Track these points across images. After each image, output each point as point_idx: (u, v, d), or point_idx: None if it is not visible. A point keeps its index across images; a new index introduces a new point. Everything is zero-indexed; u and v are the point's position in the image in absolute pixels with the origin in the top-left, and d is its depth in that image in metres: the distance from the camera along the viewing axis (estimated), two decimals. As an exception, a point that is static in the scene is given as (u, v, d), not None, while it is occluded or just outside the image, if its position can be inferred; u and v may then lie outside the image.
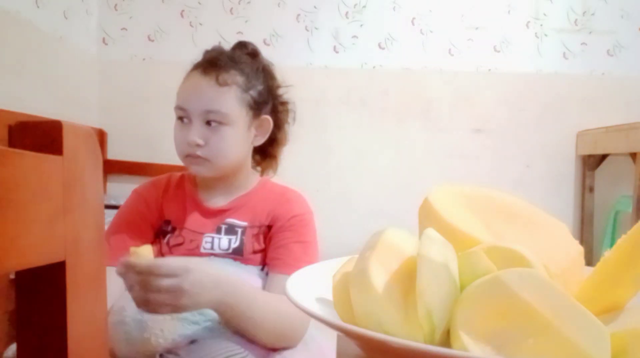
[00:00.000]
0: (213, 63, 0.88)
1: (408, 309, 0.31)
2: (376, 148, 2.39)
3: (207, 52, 0.92)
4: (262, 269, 0.89)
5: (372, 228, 0.37)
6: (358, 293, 0.33)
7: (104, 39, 2.39)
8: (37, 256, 0.29)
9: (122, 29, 2.39)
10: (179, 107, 0.87)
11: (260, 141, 0.93)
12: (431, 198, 0.41)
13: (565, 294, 0.28)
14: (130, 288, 0.66)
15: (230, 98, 0.86)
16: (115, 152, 2.36)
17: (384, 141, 2.39)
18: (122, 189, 2.34)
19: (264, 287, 0.84)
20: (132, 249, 0.68)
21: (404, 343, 0.28)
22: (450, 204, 0.41)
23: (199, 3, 2.39)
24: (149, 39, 2.39)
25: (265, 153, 1.00)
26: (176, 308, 0.67)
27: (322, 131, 2.34)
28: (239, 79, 0.87)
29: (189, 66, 0.91)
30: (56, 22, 2.03)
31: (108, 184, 2.38)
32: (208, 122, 0.85)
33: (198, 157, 0.86)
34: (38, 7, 1.90)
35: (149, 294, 0.64)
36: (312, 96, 2.32)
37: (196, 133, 0.85)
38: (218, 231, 0.88)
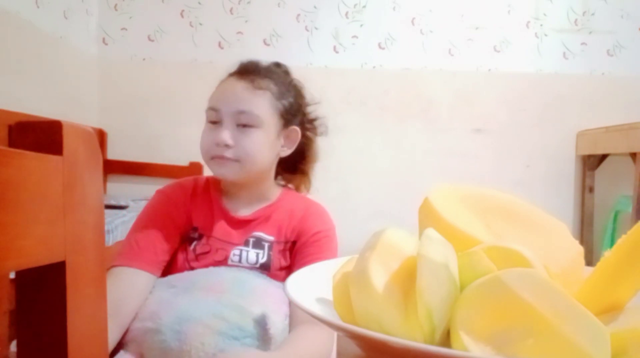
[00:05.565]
0: (249, 70, 0.89)
1: (408, 309, 0.31)
2: (376, 148, 2.39)
3: (243, 63, 0.93)
4: None
5: (372, 228, 0.37)
6: (358, 293, 0.33)
7: (104, 39, 2.40)
8: (37, 256, 0.29)
9: (122, 29, 2.39)
10: (211, 109, 0.87)
11: (287, 152, 0.93)
12: (431, 198, 0.41)
13: (565, 294, 0.28)
14: None
15: (263, 102, 0.87)
16: (115, 152, 2.36)
17: (384, 141, 2.39)
18: (122, 189, 2.35)
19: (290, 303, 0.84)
20: None
21: (404, 343, 0.28)
22: (450, 204, 0.41)
23: (199, 3, 2.39)
24: (149, 39, 2.39)
25: (296, 169, 1.00)
26: None
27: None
28: (273, 86, 0.89)
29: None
30: (56, 22, 2.03)
31: (108, 184, 2.38)
32: (239, 125, 0.85)
33: (226, 158, 0.85)
34: (38, 7, 1.90)
35: None
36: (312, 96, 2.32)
37: (227, 134, 0.84)
38: (246, 244, 0.88)
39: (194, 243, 0.88)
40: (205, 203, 0.92)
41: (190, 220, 0.90)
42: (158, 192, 0.93)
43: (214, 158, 0.86)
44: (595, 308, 0.30)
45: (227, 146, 0.84)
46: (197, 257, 0.87)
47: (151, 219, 0.88)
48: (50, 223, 0.30)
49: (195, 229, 0.89)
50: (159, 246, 0.85)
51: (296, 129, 0.93)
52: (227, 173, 0.86)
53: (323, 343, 0.78)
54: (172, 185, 0.94)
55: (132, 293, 0.77)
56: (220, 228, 0.89)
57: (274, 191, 0.95)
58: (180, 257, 0.87)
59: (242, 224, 0.90)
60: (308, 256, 0.86)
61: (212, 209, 0.91)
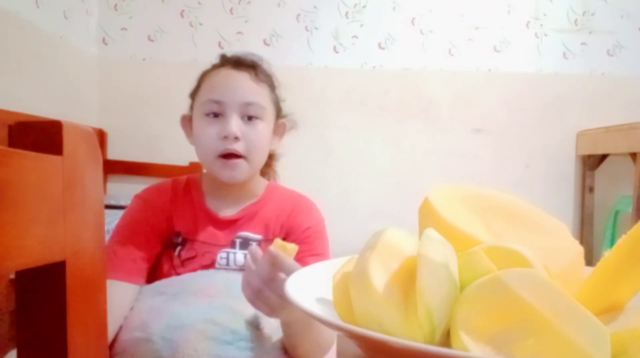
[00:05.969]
0: (247, 62, 0.88)
1: (408, 309, 0.31)
2: (376, 148, 2.39)
3: (228, 55, 0.91)
4: None
5: (372, 228, 0.37)
6: (358, 293, 0.33)
7: (104, 39, 2.39)
8: (37, 256, 0.29)
9: (122, 29, 2.39)
10: (213, 101, 0.82)
11: (276, 146, 0.93)
12: (431, 198, 0.41)
13: (565, 294, 0.28)
14: (252, 270, 0.64)
15: (265, 93, 0.86)
16: (115, 152, 2.36)
17: (384, 141, 2.39)
18: (122, 189, 2.35)
19: None
20: (280, 241, 0.65)
21: (404, 343, 0.28)
22: (450, 204, 0.41)
23: (199, 3, 2.39)
24: (149, 39, 2.39)
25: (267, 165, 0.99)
26: (273, 314, 0.66)
27: (322, 131, 2.34)
28: (268, 79, 0.89)
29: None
30: (56, 22, 2.03)
31: (108, 184, 2.38)
32: (243, 118, 0.83)
33: (236, 156, 0.81)
34: (38, 7, 1.90)
35: (266, 289, 0.63)
36: (312, 96, 2.32)
37: (236, 125, 0.81)
38: (233, 245, 0.85)
39: (178, 248, 0.84)
40: (187, 205, 0.88)
41: (172, 225, 0.86)
42: (135, 197, 0.88)
43: (222, 157, 0.82)
44: (595, 308, 0.30)
45: (236, 138, 0.81)
46: (183, 263, 0.83)
47: (129, 226, 0.84)
48: (50, 223, 0.30)
49: (177, 234, 0.85)
50: (137, 254, 0.81)
51: (284, 123, 0.93)
52: (238, 175, 0.83)
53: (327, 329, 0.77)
54: (149, 189, 0.90)
55: (113, 305, 0.73)
56: (205, 230, 0.85)
57: (260, 186, 0.93)
58: (166, 264, 0.84)
59: (227, 224, 0.87)
60: (300, 253, 0.83)
61: (195, 212, 0.87)
